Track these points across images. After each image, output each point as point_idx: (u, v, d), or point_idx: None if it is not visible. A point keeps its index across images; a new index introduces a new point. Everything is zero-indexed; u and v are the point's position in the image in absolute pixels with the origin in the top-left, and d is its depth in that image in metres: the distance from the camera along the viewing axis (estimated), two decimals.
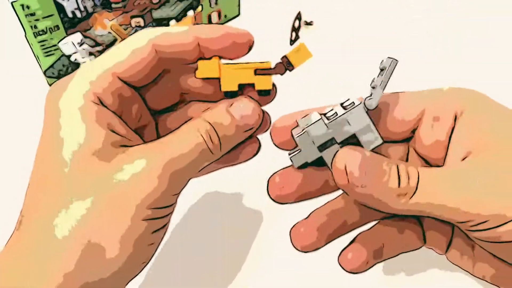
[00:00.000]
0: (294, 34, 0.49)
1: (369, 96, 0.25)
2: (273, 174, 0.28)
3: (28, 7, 0.39)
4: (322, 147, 0.26)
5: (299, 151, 0.26)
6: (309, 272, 0.36)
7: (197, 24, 0.50)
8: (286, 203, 0.28)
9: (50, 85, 0.46)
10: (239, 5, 0.52)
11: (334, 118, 0.25)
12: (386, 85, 0.25)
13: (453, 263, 0.29)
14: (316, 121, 0.25)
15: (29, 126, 0.45)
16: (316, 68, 0.48)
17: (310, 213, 0.28)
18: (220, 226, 0.38)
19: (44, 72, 0.45)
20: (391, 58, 0.25)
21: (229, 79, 0.27)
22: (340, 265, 0.28)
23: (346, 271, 0.28)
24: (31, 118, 0.46)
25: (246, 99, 0.27)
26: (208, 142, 0.25)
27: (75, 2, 0.41)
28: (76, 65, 0.46)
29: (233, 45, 0.26)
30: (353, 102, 0.25)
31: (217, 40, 0.26)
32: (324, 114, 0.26)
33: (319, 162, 0.26)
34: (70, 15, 0.42)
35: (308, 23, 0.51)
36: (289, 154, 0.27)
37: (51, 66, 0.45)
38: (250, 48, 0.27)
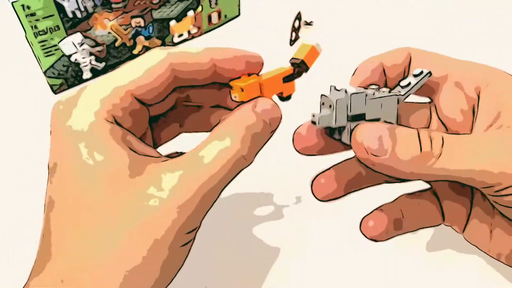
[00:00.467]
0: (294, 34, 0.49)
1: (399, 93, 0.27)
2: (298, 127, 0.28)
3: (28, 7, 0.39)
4: (352, 118, 0.26)
5: (330, 114, 0.27)
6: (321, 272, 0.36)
7: (197, 24, 0.50)
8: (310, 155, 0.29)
9: (50, 85, 0.46)
10: (239, 5, 0.52)
11: (374, 97, 0.26)
12: (417, 88, 0.27)
13: (470, 242, 0.29)
14: (360, 93, 0.26)
15: (29, 126, 0.46)
16: (316, 68, 0.48)
17: (330, 167, 0.29)
18: (226, 228, 0.38)
19: (45, 72, 0.45)
20: (429, 71, 0.27)
21: (267, 94, 0.27)
22: (362, 232, 0.28)
23: (367, 238, 0.28)
24: (31, 118, 0.46)
25: (264, 98, 0.27)
26: (243, 150, 0.25)
27: (75, 2, 0.41)
28: (77, 65, 0.46)
29: (246, 64, 0.27)
30: (389, 89, 0.27)
31: (231, 61, 0.26)
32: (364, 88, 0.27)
33: (336, 131, 0.27)
34: (70, 15, 0.42)
35: (308, 23, 0.51)
36: (314, 115, 0.27)
37: (52, 66, 0.45)
38: (261, 69, 0.27)
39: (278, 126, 0.27)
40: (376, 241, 0.29)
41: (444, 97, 0.28)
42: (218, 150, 0.24)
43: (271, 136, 0.27)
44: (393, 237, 0.29)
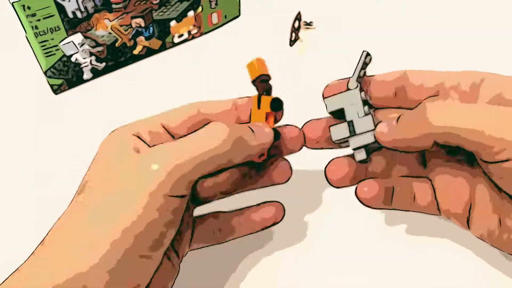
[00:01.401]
0: (294, 34, 0.49)
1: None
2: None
3: (29, 7, 0.39)
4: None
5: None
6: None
7: (197, 24, 0.50)
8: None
9: (50, 85, 0.46)
10: (239, 5, 0.52)
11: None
12: (360, 67, 0.32)
13: (479, 238, 0.30)
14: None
15: (30, 126, 0.46)
16: (317, 68, 0.48)
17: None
18: None
19: (45, 72, 0.45)
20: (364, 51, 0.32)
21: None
22: (357, 197, 0.32)
23: (361, 202, 0.32)
24: (32, 118, 0.46)
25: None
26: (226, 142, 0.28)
27: (75, 3, 0.41)
28: (77, 65, 0.46)
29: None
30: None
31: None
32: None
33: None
34: (70, 15, 0.42)
35: (308, 24, 0.51)
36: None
37: (52, 66, 0.45)
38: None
39: (267, 146, 0.31)
40: (369, 207, 0.32)
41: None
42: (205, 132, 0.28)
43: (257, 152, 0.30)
44: (384, 208, 0.32)
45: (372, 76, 0.32)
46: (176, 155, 0.27)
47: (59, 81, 0.46)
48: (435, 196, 0.32)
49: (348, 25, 0.51)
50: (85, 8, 0.42)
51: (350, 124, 0.31)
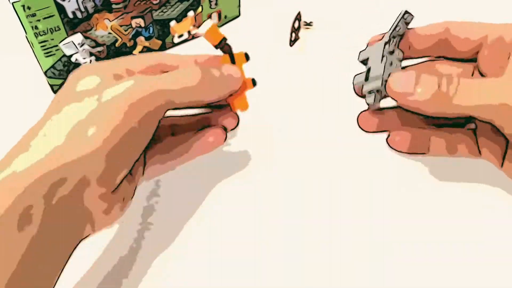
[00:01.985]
0: (294, 34, 0.49)
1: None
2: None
3: (29, 7, 0.39)
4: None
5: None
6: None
7: (197, 24, 0.50)
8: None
9: (51, 85, 0.46)
10: (239, 5, 0.52)
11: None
12: (395, 28, 0.32)
13: (510, 177, 0.31)
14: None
15: (29, 127, 0.46)
16: (317, 68, 0.48)
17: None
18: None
19: (45, 73, 0.45)
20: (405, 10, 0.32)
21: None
22: (388, 144, 0.32)
23: (391, 147, 0.32)
24: (32, 118, 0.46)
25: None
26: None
27: (75, 3, 0.41)
28: (77, 66, 0.46)
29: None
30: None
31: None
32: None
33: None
34: (70, 15, 0.42)
35: (308, 24, 0.51)
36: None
37: (52, 66, 0.45)
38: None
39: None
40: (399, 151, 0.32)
41: (484, 54, 0.30)
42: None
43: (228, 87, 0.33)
44: (420, 153, 0.32)
45: (412, 28, 0.33)
46: (158, 83, 0.30)
47: (59, 81, 0.46)
48: (476, 140, 0.32)
49: (348, 25, 0.51)
50: (85, 8, 0.42)
51: (368, 70, 0.32)
